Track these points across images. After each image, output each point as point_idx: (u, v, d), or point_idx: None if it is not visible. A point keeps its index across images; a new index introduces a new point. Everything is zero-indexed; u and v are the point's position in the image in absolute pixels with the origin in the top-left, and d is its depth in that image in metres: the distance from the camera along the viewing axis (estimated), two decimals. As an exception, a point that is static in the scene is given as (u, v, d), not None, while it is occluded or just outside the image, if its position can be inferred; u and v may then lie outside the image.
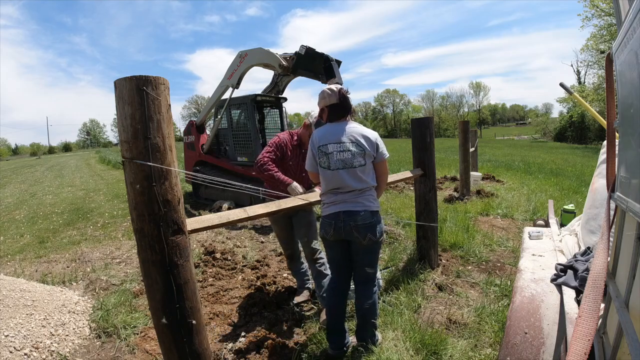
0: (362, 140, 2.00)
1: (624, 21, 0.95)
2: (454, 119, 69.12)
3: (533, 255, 1.94)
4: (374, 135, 2.06)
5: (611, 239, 1.13)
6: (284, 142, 2.64)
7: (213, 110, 7.11)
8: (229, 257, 4.00)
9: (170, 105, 1.32)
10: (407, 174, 3.14)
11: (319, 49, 5.42)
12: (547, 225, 2.87)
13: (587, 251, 1.70)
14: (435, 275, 3.15)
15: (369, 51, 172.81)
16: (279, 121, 7.23)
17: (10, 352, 2.05)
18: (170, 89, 1.32)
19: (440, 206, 5.46)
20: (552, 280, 1.56)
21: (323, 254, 2.67)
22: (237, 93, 6.32)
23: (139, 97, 1.20)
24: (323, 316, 2.47)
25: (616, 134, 1.25)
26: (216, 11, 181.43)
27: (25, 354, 2.08)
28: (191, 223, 1.45)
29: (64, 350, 2.27)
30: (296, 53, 5.33)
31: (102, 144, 73.48)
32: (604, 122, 1.86)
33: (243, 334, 2.44)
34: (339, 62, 5.59)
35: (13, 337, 2.15)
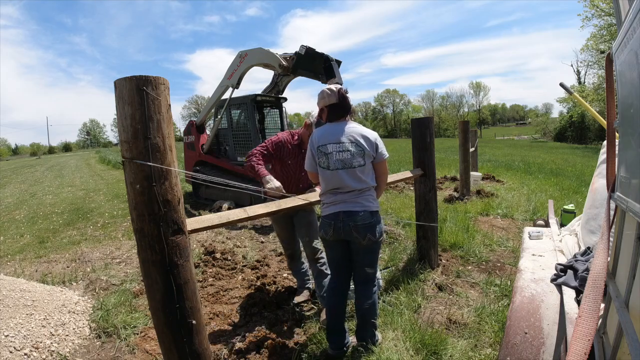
0: (362, 140, 2.00)
1: (624, 21, 0.95)
2: (454, 119, 69.12)
3: (533, 255, 1.94)
4: (373, 135, 2.05)
5: (611, 239, 1.13)
6: (282, 141, 2.65)
7: (213, 110, 7.11)
8: (229, 257, 4.00)
9: (170, 105, 1.32)
10: (407, 174, 3.14)
11: (318, 49, 5.42)
12: (547, 225, 2.87)
13: (587, 251, 1.70)
14: (435, 275, 3.15)
15: (368, 51, 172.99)
16: (279, 121, 7.24)
17: (10, 352, 2.05)
18: (170, 89, 1.33)
19: (440, 206, 5.46)
20: (552, 280, 1.56)
21: (324, 254, 2.67)
22: (237, 93, 6.33)
23: (139, 97, 1.20)
24: (323, 316, 2.47)
25: (616, 134, 1.25)
26: (216, 11, 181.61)
27: (25, 354, 2.09)
28: (191, 223, 1.45)
29: (64, 350, 2.27)
30: (296, 53, 5.33)
31: (102, 144, 73.48)
32: (604, 122, 1.86)
33: (243, 334, 2.44)
34: (339, 62, 5.59)
35: (13, 337, 2.15)
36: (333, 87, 2.08)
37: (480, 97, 75.67)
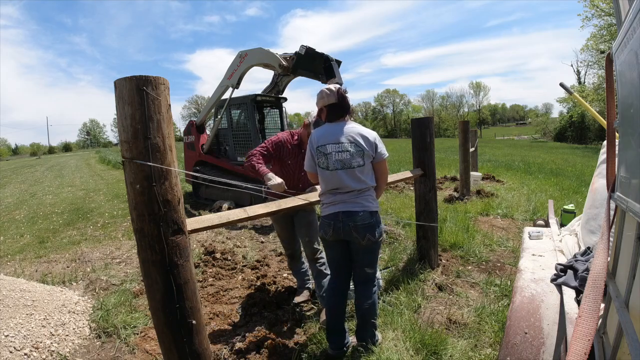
0: (361, 141, 2.00)
1: (624, 21, 0.95)
2: (454, 119, 69.12)
3: (533, 255, 1.94)
4: (372, 135, 2.05)
5: (611, 239, 1.13)
6: (282, 141, 2.65)
7: (213, 110, 7.11)
8: (229, 257, 4.00)
9: (170, 105, 1.32)
10: (407, 174, 3.14)
11: (318, 49, 5.42)
12: (547, 225, 2.87)
13: (587, 251, 1.70)
14: (435, 275, 3.15)
15: (368, 51, 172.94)
16: (279, 121, 7.24)
17: (10, 352, 2.05)
18: (170, 89, 1.32)
19: (440, 206, 5.46)
20: (552, 280, 1.56)
21: (324, 254, 2.67)
22: (237, 93, 6.33)
23: (139, 97, 1.20)
24: (323, 316, 2.47)
25: (616, 134, 1.25)
26: (216, 11, 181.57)
27: (25, 354, 2.09)
28: (191, 223, 1.45)
29: (64, 350, 2.27)
30: (296, 53, 5.33)
31: (102, 144, 73.47)
32: (604, 122, 1.86)
33: (243, 334, 2.44)
34: (339, 62, 5.59)
35: (13, 337, 2.15)
36: (332, 86, 2.07)
37: (480, 97, 75.76)
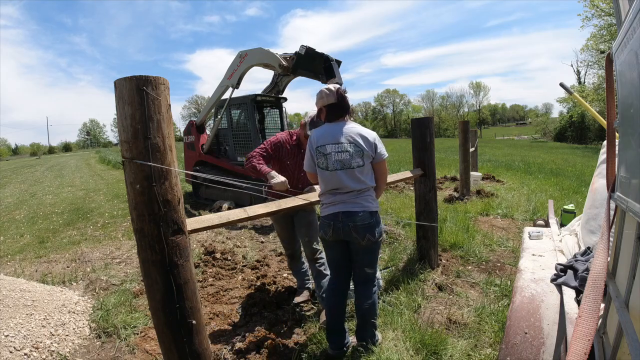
0: (360, 141, 1.99)
1: (624, 21, 0.95)
2: (454, 119, 69.11)
3: (533, 255, 1.94)
4: (372, 135, 2.05)
5: (611, 239, 1.13)
6: (281, 142, 2.66)
7: (213, 110, 7.11)
8: (229, 257, 4.00)
9: (170, 105, 1.32)
10: (407, 174, 3.14)
11: (319, 49, 5.42)
12: (547, 225, 2.87)
13: (587, 251, 1.70)
14: (435, 275, 3.15)
15: (368, 51, 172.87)
16: (279, 121, 7.24)
17: (10, 352, 2.05)
18: (170, 89, 1.33)
19: (440, 206, 5.46)
20: (552, 280, 1.56)
21: (324, 254, 2.67)
22: (237, 93, 6.33)
23: (139, 97, 1.20)
24: (323, 316, 2.47)
25: (616, 134, 1.25)
26: (216, 11, 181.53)
27: (25, 354, 2.09)
28: (191, 223, 1.45)
29: (64, 350, 2.27)
30: (296, 53, 5.33)
31: (102, 144, 73.47)
32: (604, 122, 1.86)
33: (243, 334, 2.44)
34: (339, 62, 5.59)
35: (13, 337, 2.15)
36: (332, 86, 2.07)
37: (480, 97, 75.76)
